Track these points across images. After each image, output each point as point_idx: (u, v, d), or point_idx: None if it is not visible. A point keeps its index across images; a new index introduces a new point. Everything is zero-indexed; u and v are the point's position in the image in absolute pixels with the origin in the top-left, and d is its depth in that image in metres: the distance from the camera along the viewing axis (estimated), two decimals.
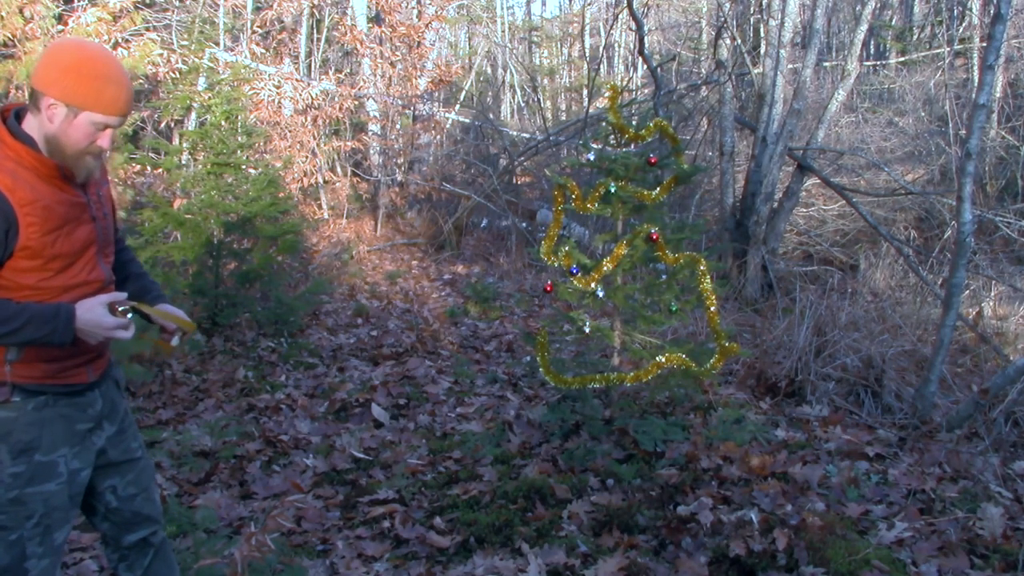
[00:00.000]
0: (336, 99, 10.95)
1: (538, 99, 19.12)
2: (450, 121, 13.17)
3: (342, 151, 11.58)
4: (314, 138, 10.70)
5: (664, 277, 3.92)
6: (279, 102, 10.27)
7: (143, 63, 7.61)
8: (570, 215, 7.32)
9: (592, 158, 3.94)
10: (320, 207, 11.47)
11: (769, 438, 3.97)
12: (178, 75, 9.15)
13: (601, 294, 3.78)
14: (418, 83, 11.43)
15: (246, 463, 3.95)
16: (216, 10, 10.28)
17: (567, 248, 3.80)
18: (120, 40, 7.86)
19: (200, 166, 6.25)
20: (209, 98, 6.68)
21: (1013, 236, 7.62)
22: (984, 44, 6.92)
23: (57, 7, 7.66)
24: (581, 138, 6.88)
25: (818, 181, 8.69)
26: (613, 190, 3.80)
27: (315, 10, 12.54)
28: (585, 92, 14.73)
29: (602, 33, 21.35)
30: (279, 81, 10.21)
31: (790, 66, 8.91)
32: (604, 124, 4.14)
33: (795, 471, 3.55)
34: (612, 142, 3.99)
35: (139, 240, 5.42)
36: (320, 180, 11.27)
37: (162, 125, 9.47)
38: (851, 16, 15.66)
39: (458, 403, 4.95)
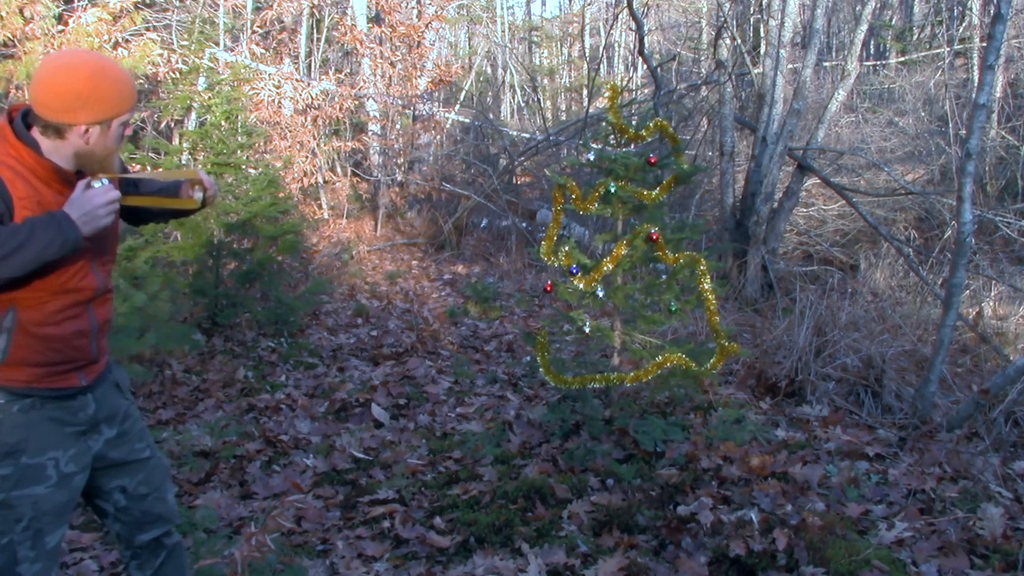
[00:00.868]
0: (336, 99, 10.95)
1: (538, 99, 19.12)
2: (450, 121, 13.17)
3: (342, 151, 11.58)
4: (314, 138, 10.69)
5: (664, 277, 3.92)
6: (279, 102, 10.27)
7: (143, 63, 7.60)
8: (570, 215, 7.32)
9: (592, 158, 3.94)
10: (320, 207, 11.47)
11: (769, 438, 3.97)
12: (178, 75, 9.15)
13: (601, 294, 3.78)
14: (418, 83, 11.43)
15: (246, 463, 3.95)
16: (216, 10, 10.27)
17: (567, 248, 3.80)
18: (120, 40, 7.85)
19: (200, 166, 6.25)
20: (209, 98, 6.67)
21: (1013, 236, 7.62)
22: (984, 44, 6.92)
23: (57, 7, 7.65)
24: (581, 138, 6.88)
25: (818, 181, 8.69)
26: (613, 190, 3.80)
27: (315, 10, 12.54)
28: (585, 92, 14.74)
29: (602, 33, 21.35)
30: (279, 81, 10.21)
31: (790, 66, 8.91)
32: (604, 124, 4.14)
33: (795, 471, 3.55)
34: (612, 142, 3.99)
35: (139, 240, 5.42)
36: (320, 180, 11.28)
37: (162, 125, 9.47)
38: (851, 16, 15.66)
39: (458, 403, 4.95)
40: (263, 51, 10.85)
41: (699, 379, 4.00)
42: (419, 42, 11.45)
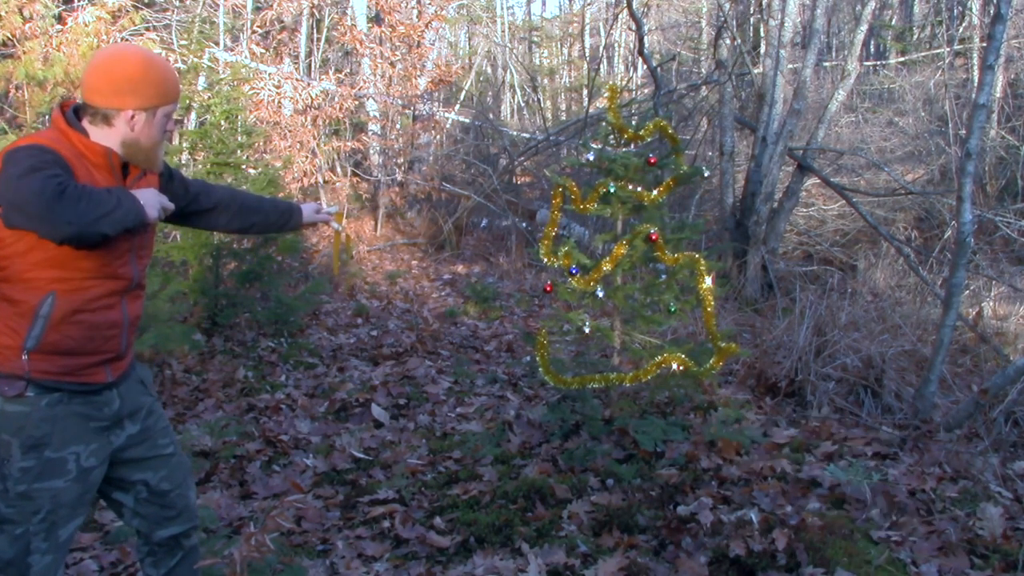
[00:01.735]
0: (336, 99, 10.94)
1: (538, 99, 19.13)
2: (450, 121, 13.17)
3: (342, 151, 11.57)
4: (314, 138, 10.69)
5: (664, 277, 3.92)
6: (279, 102, 10.26)
7: None
8: (570, 215, 7.32)
9: (592, 158, 3.94)
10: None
11: (769, 438, 3.97)
12: (178, 75, 9.14)
13: (601, 294, 3.78)
14: (418, 83, 11.43)
15: (246, 463, 3.95)
16: (216, 10, 10.27)
17: (567, 248, 3.80)
18: (119, 40, 7.84)
19: (200, 166, 6.25)
20: (209, 98, 6.68)
21: (1013, 236, 7.62)
22: (984, 44, 6.92)
23: (56, 7, 7.65)
24: (581, 138, 6.88)
25: (818, 181, 8.69)
26: (613, 190, 3.80)
27: (315, 10, 12.53)
28: (585, 92, 14.73)
29: (602, 33, 21.34)
30: (279, 81, 10.20)
31: (790, 66, 8.91)
32: (604, 124, 4.14)
33: (795, 471, 3.55)
34: (612, 142, 3.99)
35: None
36: (320, 180, 11.27)
37: None
38: (851, 16, 15.66)
39: (458, 403, 4.95)
40: (263, 51, 10.84)
41: (699, 379, 4.00)
42: (419, 42, 11.45)
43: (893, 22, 16.45)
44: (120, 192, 1.77)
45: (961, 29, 13.22)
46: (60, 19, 7.67)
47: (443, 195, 11.55)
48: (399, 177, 11.59)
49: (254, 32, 10.90)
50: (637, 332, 4.01)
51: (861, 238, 9.12)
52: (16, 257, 1.79)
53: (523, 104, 21.38)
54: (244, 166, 6.13)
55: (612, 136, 3.98)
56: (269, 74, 10.21)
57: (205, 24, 10.18)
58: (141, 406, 2.06)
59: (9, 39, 7.11)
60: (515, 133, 13.69)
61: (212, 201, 2.25)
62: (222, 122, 5.98)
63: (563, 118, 17.60)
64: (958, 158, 8.23)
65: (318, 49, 12.86)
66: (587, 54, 17.53)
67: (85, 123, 1.89)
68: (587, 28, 20.71)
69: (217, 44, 10.09)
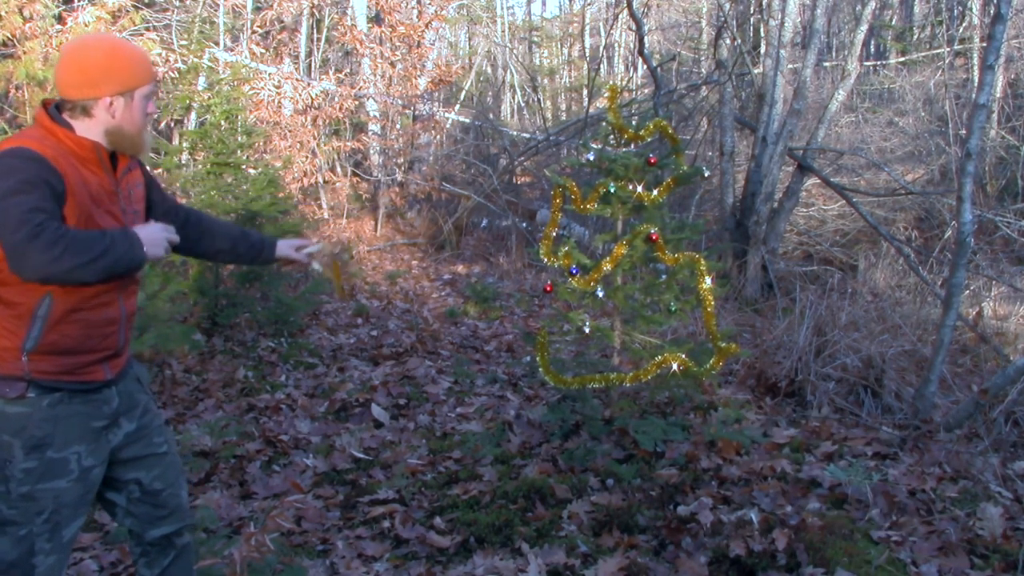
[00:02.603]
0: (336, 99, 10.95)
1: (538, 99, 19.13)
2: (450, 121, 13.17)
3: (342, 151, 11.58)
4: (314, 138, 10.69)
5: (664, 277, 3.92)
6: (279, 102, 10.27)
7: None
8: (570, 215, 7.32)
9: (592, 158, 3.94)
10: (320, 207, 11.47)
11: (769, 438, 3.97)
12: (178, 75, 9.14)
13: (601, 294, 3.78)
14: (418, 83, 11.43)
15: (246, 463, 3.95)
16: (216, 10, 10.27)
17: (567, 248, 3.80)
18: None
19: (200, 166, 6.25)
20: (209, 98, 6.67)
21: (1013, 236, 7.62)
22: (984, 44, 6.92)
23: (56, 7, 7.65)
24: (581, 138, 6.88)
25: (818, 181, 8.69)
26: (613, 190, 3.80)
27: (315, 10, 12.53)
28: (585, 92, 14.73)
29: (602, 33, 21.34)
30: (279, 81, 10.21)
31: (790, 66, 8.91)
32: (604, 124, 4.14)
33: (795, 471, 3.55)
34: (612, 142, 3.99)
35: None
36: (320, 180, 11.27)
37: (162, 125, 9.47)
38: (851, 16, 15.67)
39: (458, 403, 4.95)
40: (263, 51, 10.84)
41: (699, 379, 4.00)
42: (419, 42, 11.45)
43: (893, 22, 16.45)
44: (118, 235, 1.75)
45: (961, 29, 13.23)
46: (60, 19, 7.67)
47: (443, 195, 11.55)
48: (399, 177, 11.59)
49: (254, 32, 10.91)
50: (637, 332, 4.01)
51: (861, 238, 9.12)
52: None
53: (523, 104, 21.39)
54: (244, 166, 6.13)
55: (612, 136, 3.97)
56: (269, 74, 10.22)
57: (205, 24, 10.19)
58: (138, 404, 2.06)
59: (9, 39, 7.11)
60: (515, 133, 13.69)
61: (180, 219, 2.18)
62: (222, 122, 5.98)
63: (563, 118, 17.60)
64: (958, 158, 8.24)
65: (318, 49, 12.86)
66: (587, 54, 17.53)
67: (67, 118, 1.88)
68: (587, 28, 20.70)
69: (217, 44, 10.10)
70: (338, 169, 12.18)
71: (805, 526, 2.96)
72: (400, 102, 11.37)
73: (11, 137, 1.86)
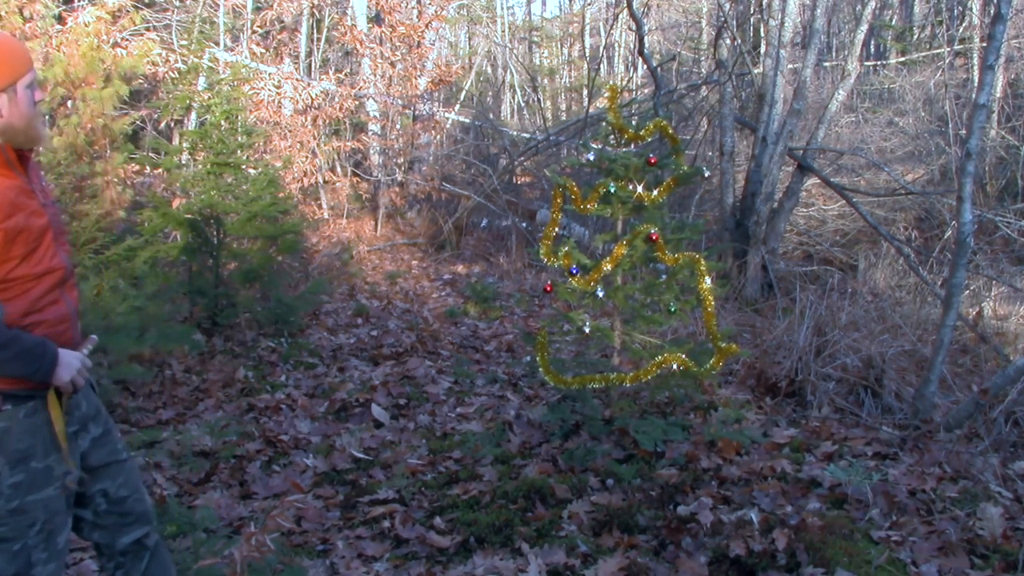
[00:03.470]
0: (336, 99, 10.95)
1: (538, 99, 19.12)
2: (450, 121, 13.17)
3: (342, 151, 11.58)
4: (314, 138, 10.69)
5: (664, 277, 3.92)
6: (279, 102, 10.27)
7: (142, 63, 7.60)
8: (570, 215, 7.32)
9: (592, 158, 3.94)
10: (320, 207, 11.47)
11: (769, 438, 3.97)
12: (178, 75, 9.14)
13: (601, 294, 3.78)
14: (418, 83, 11.43)
15: (246, 463, 3.95)
16: (216, 10, 10.27)
17: (567, 248, 3.80)
18: (119, 40, 7.85)
19: (200, 166, 6.25)
20: (209, 98, 6.67)
21: (1013, 236, 7.61)
22: (984, 44, 6.92)
23: (56, 7, 7.65)
24: (581, 138, 6.88)
25: (818, 181, 8.69)
26: (613, 190, 3.80)
27: (315, 10, 12.53)
28: (585, 92, 14.73)
29: (602, 33, 21.34)
30: (279, 81, 10.21)
31: (790, 66, 8.91)
32: (604, 124, 4.14)
33: (795, 471, 3.55)
34: (612, 142, 3.99)
35: (139, 240, 5.42)
36: (320, 180, 11.27)
37: (162, 125, 9.47)
38: (851, 16, 15.66)
39: (458, 403, 4.95)
40: (263, 51, 10.85)
41: (699, 379, 4.01)
42: (419, 42, 11.45)
43: (893, 22, 16.45)
44: (33, 344, 1.77)
45: (961, 29, 13.22)
46: (60, 19, 7.67)
47: (443, 195, 11.55)
48: (399, 177, 11.59)
49: (254, 32, 10.91)
50: (637, 332, 4.01)
51: (861, 238, 9.12)
52: None
53: (523, 104, 21.38)
54: (244, 166, 6.13)
55: (612, 136, 3.98)
56: (269, 74, 10.22)
57: (205, 24, 10.19)
58: (99, 408, 2.06)
59: None
60: (515, 133, 13.68)
61: None
62: (222, 122, 5.98)
63: (563, 118, 17.60)
64: (958, 158, 8.24)
65: (318, 49, 12.86)
66: (587, 54, 17.53)
67: None
68: (587, 28, 20.70)
69: (217, 44, 10.10)
70: (338, 169, 12.18)
71: (805, 526, 2.96)
72: (400, 102, 11.37)
73: None
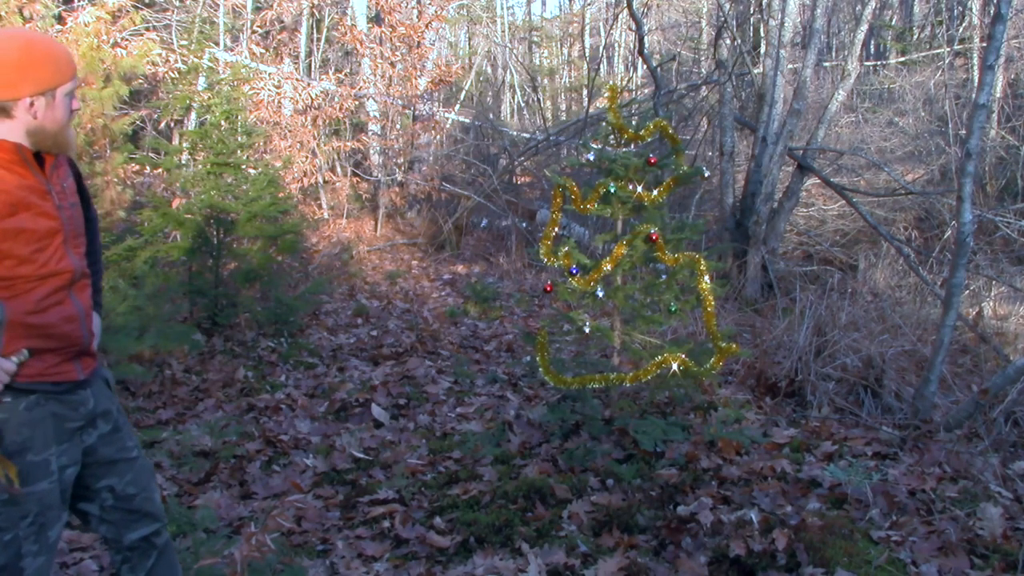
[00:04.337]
0: (336, 99, 10.95)
1: (538, 99, 19.13)
2: (450, 121, 13.17)
3: (342, 151, 11.58)
4: (314, 138, 10.69)
5: (664, 277, 3.92)
6: (279, 102, 10.27)
7: (142, 63, 7.61)
8: (570, 215, 7.32)
9: (592, 158, 3.94)
10: (320, 207, 11.47)
11: (769, 438, 3.97)
12: (178, 75, 9.14)
13: (601, 294, 3.78)
14: (418, 83, 11.43)
15: (246, 463, 3.95)
16: (216, 10, 10.28)
17: (567, 248, 3.80)
18: (119, 40, 7.85)
19: (200, 166, 6.25)
20: (209, 98, 6.68)
21: (1013, 236, 7.62)
22: (984, 44, 6.92)
23: (56, 7, 7.65)
24: (581, 138, 6.88)
25: (818, 181, 8.69)
26: (613, 190, 3.80)
27: (315, 10, 12.54)
28: (585, 92, 14.73)
29: (602, 33, 21.35)
30: (279, 81, 10.21)
31: (790, 66, 8.91)
32: (604, 124, 4.14)
33: (795, 471, 3.55)
34: (612, 142, 3.99)
35: (139, 240, 5.42)
36: (320, 180, 11.27)
37: (162, 125, 9.46)
38: (851, 16, 15.66)
39: (458, 403, 4.95)
40: (263, 51, 10.85)
41: (699, 379, 4.01)
42: (419, 42, 11.44)
43: (893, 22, 16.45)
44: None
45: (961, 29, 13.22)
46: (60, 19, 7.67)
47: (443, 195, 11.55)
48: (399, 177, 11.59)
49: (254, 32, 10.91)
50: (637, 332, 4.01)
51: (861, 238, 9.12)
52: None
53: (523, 104, 21.38)
54: (244, 166, 6.13)
55: (612, 136, 3.98)
56: (269, 74, 10.22)
57: (205, 24, 10.19)
58: (111, 406, 2.06)
59: None
60: (515, 133, 13.69)
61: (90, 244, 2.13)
62: (222, 122, 5.98)
63: (563, 118, 17.60)
64: (958, 158, 8.24)
65: (318, 49, 12.86)
66: (587, 54, 17.53)
67: None
68: (587, 28, 20.70)
69: (217, 44, 10.10)
70: (338, 169, 12.18)
71: (805, 526, 2.96)
72: (400, 102, 11.37)
73: None
